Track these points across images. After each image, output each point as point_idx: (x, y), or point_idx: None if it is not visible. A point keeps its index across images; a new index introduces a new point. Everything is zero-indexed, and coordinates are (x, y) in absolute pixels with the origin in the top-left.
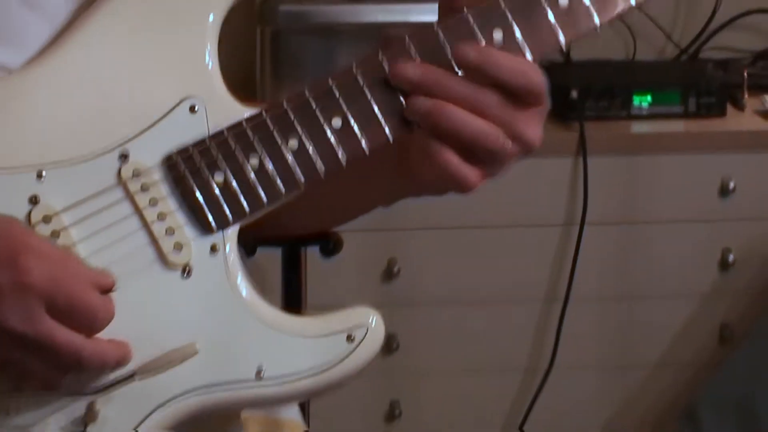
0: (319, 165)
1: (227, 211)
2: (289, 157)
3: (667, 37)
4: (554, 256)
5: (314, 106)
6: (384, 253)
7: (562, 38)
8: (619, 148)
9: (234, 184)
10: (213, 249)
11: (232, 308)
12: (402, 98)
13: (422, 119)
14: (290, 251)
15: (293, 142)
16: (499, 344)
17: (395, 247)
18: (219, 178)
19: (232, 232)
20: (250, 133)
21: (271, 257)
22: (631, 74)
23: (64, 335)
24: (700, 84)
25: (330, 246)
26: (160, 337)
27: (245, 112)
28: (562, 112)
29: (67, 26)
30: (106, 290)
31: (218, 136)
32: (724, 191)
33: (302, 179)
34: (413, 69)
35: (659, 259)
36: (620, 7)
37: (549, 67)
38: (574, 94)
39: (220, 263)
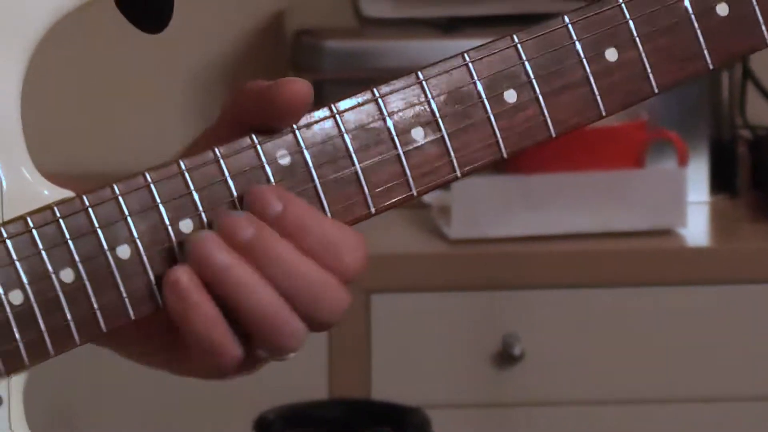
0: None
1: (23, 351)
2: (118, 271)
3: None
4: None
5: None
6: None
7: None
8: None
9: (37, 308)
10: None
11: None
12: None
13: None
14: None
15: (124, 248)
16: None
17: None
18: (17, 297)
19: (22, 378)
20: (64, 228)
21: None
22: None
23: None
24: None
25: (409, 430)
26: None
27: (57, 193)
28: None
29: None
30: None
31: (17, 227)
32: None
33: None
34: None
35: None
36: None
37: None
38: None
39: (2, 422)
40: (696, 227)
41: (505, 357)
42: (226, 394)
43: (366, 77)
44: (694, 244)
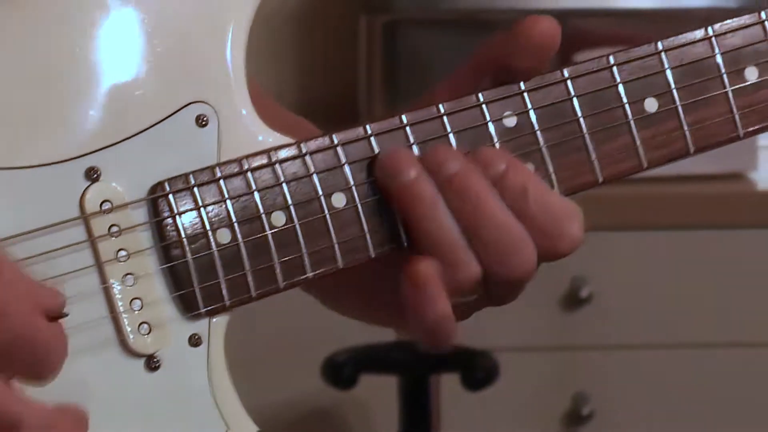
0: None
1: (224, 291)
2: (331, 219)
3: None
4: None
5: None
6: (565, 385)
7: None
8: None
9: (243, 249)
10: (193, 341)
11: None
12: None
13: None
14: (411, 381)
15: (339, 197)
16: None
17: (583, 375)
18: (224, 236)
19: (224, 320)
20: (279, 171)
21: (383, 390)
22: None
23: None
24: None
25: (478, 373)
26: None
27: (275, 139)
28: None
29: None
30: (54, 316)
31: (231, 167)
32: None
33: (340, 256)
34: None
35: None
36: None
37: None
38: None
39: (201, 363)
40: (766, 170)
41: (573, 299)
42: (294, 336)
43: (439, 18)
44: (764, 187)
